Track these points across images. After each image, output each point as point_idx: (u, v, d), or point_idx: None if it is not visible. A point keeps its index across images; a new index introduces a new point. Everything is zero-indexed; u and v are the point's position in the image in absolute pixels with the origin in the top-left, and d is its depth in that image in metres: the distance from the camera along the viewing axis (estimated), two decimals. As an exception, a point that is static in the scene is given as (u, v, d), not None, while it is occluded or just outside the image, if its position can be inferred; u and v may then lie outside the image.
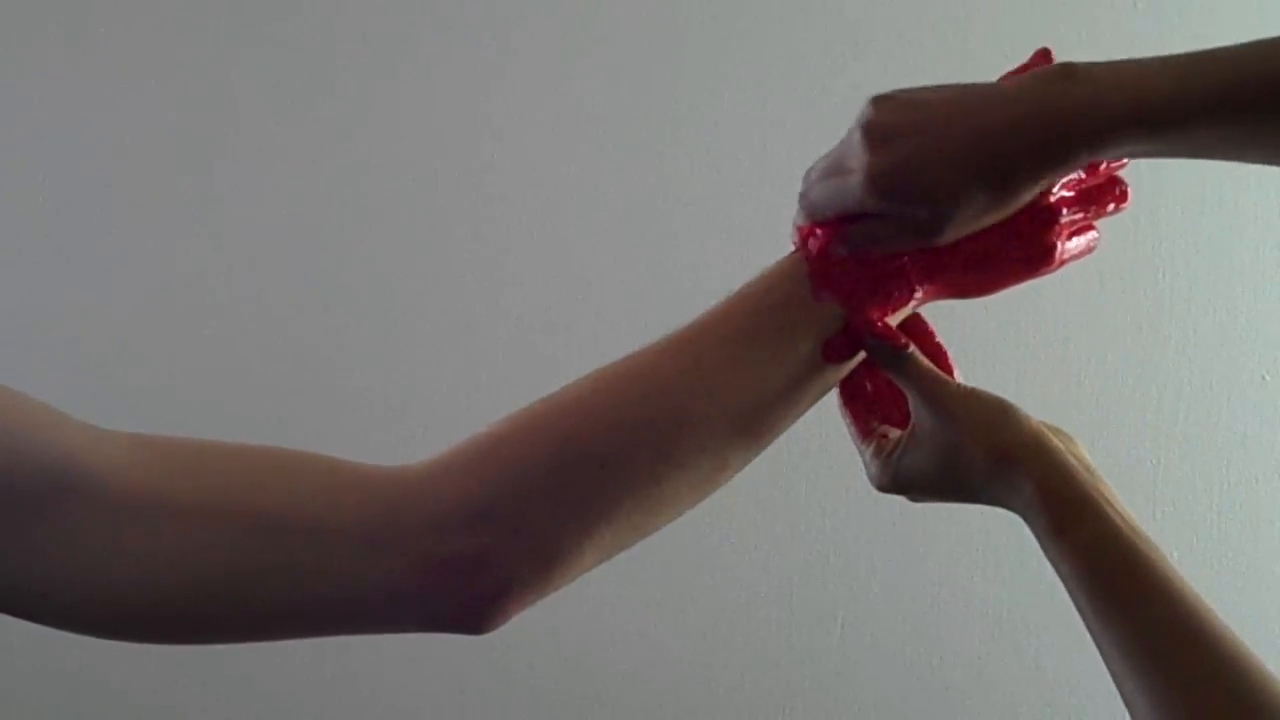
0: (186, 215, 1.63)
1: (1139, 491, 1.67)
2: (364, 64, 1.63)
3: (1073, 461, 0.70)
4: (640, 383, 0.72)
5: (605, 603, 1.63)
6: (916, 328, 0.78)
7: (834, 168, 0.72)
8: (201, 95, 1.63)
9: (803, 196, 0.74)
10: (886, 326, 0.73)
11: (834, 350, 0.73)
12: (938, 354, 0.77)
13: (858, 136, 0.70)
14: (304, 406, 1.62)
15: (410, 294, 1.64)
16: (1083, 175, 0.73)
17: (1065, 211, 0.73)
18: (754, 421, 0.72)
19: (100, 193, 1.63)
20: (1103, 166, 0.73)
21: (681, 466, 0.71)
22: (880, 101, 0.70)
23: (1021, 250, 0.73)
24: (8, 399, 0.64)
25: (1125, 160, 0.74)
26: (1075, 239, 0.74)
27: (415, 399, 1.63)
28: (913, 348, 0.73)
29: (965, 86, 0.69)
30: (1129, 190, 0.74)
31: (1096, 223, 0.75)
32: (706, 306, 0.75)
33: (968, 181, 0.68)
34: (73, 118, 1.62)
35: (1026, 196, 0.70)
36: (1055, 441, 0.71)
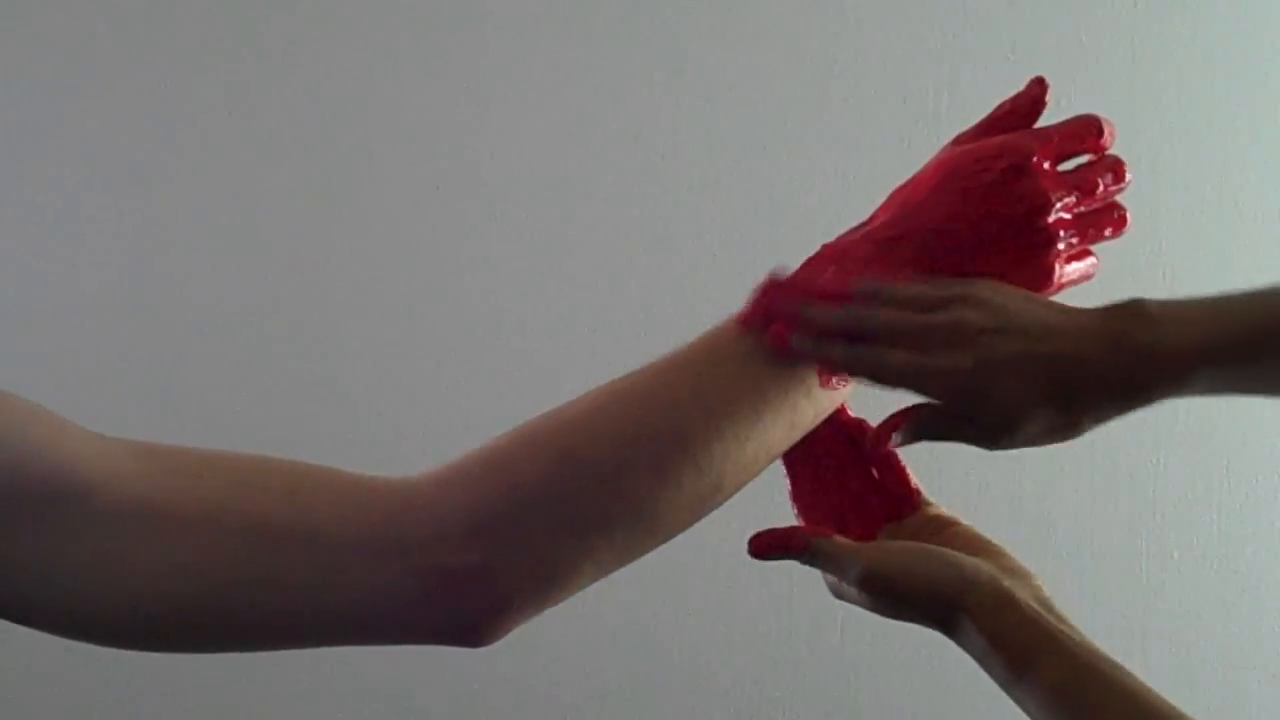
0: (184, 219, 1.62)
1: (1139, 492, 1.66)
2: (362, 66, 1.63)
3: (1023, 604, 0.71)
4: (640, 400, 0.72)
5: (604, 604, 1.62)
6: (886, 463, 0.80)
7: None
8: (198, 96, 1.62)
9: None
10: (777, 538, 0.77)
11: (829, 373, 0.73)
12: (902, 484, 0.79)
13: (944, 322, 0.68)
14: (303, 416, 1.61)
15: (410, 303, 1.63)
16: (1079, 198, 0.73)
17: (1063, 235, 0.73)
18: (751, 441, 0.72)
19: (98, 195, 1.62)
20: (1099, 191, 0.73)
21: (679, 485, 0.71)
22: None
23: (1020, 275, 0.72)
24: (12, 405, 0.64)
25: (1124, 183, 0.73)
26: (1074, 263, 0.74)
27: (415, 410, 1.63)
28: (815, 542, 0.75)
29: (1042, 303, 0.69)
30: (1128, 215, 0.74)
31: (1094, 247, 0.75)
32: (707, 314, 0.75)
33: (1037, 400, 0.67)
34: (66, 118, 1.62)
35: (1089, 427, 0.69)
36: (1004, 587, 0.71)
